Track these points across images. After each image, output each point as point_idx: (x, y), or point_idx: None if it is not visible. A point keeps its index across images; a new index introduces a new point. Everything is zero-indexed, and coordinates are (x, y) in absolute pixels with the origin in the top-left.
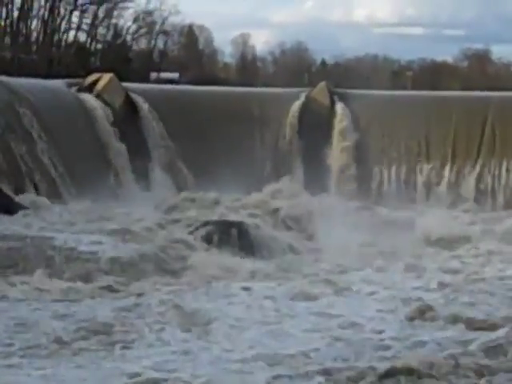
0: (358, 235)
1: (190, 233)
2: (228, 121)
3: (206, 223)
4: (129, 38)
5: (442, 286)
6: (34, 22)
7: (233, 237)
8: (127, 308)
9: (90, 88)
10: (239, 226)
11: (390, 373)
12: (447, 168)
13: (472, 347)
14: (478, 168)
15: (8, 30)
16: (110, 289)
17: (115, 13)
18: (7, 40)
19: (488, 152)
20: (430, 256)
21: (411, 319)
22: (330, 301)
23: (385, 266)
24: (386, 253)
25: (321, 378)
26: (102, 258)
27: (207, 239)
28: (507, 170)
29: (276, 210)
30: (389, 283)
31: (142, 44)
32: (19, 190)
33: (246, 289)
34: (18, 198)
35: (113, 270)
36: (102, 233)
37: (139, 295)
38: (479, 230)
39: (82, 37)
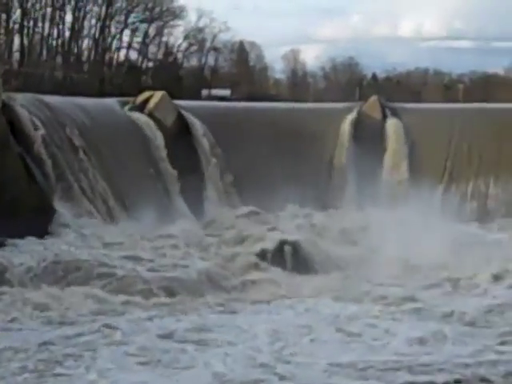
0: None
1: (245, 251)
2: (282, 136)
3: (261, 241)
4: (179, 55)
5: None
6: (86, 42)
7: (287, 254)
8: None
9: (141, 106)
10: (294, 244)
11: None
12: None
13: None
14: None
15: (60, 49)
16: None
17: (166, 31)
18: (59, 60)
19: None
20: None
21: None
22: None
23: None
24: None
25: None
26: (158, 276)
27: (262, 257)
28: None
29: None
30: None
31: (193, 61)
32: (74, 211)
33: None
34: (73, 219)
35: (172, 287)
36: (153, 252)
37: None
38: None
39: (133, 55)
